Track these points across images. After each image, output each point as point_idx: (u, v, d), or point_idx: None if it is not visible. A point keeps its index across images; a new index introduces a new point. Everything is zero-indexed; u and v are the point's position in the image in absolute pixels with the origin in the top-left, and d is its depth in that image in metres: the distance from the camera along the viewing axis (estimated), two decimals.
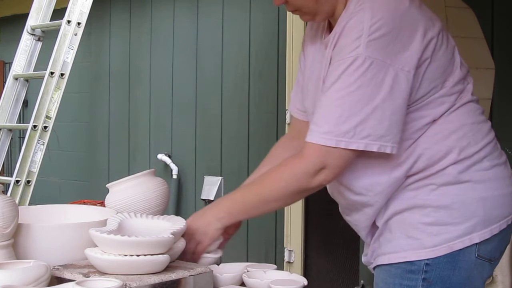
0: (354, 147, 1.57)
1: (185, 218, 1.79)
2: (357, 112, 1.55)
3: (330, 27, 1.79)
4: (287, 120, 3.91)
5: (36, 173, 3.74)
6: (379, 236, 1.76)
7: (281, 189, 1.70)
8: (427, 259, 1.63)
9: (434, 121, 1.66)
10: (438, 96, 1.65)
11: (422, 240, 1.64)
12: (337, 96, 1.58)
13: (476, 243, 1.63)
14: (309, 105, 1.85)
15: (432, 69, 1.62)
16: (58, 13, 4.10)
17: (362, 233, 1.84)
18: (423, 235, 1.64)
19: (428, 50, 1.60)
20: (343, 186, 1.76)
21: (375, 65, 1.54)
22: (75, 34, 3.91)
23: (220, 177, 4.39)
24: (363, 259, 1.91)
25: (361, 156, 1.63)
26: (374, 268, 1.81)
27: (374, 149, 1.57)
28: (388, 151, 1.58)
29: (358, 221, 1.83)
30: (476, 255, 1.64)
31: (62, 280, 1.56)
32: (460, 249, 1.62)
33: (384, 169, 1.65)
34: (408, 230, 1.66)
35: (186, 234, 1.69)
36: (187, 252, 1.71)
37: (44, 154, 3.76)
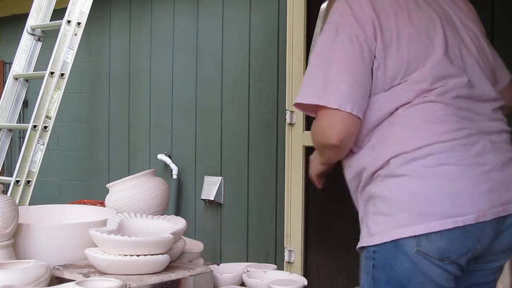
0: None
1: (185, 218, 1.80)
2: None
3: None
4: (287, 120, 3.91)
5: (36, 173, 3.75)
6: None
7: (316, 145, 1.94)
8: (374, 246, 1.73)
9: (390, 113, 1.74)
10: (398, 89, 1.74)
11: (371, 228, 1.75)
12: None
13: (415, 236, 1.66)
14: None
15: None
16: (58, 13, 4.11)
17: None
18: (372, 223, 1.75)
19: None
20: None
21: None
22: (75, 34, 3.91)
23: (220, 177, 4.39)
24: None
25: None
26: None
27: None
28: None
29: None
30: (416, 250, 1.67)
31: (62, 280, 1.56)
32: (399, 239, 1.68)
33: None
34: (366, 218, 1.79)
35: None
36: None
37: (44, 154, 3.76)
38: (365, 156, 1.79)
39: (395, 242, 1.68)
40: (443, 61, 1.77)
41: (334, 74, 1.72)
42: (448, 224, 1.65)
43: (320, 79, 1.73)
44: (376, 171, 1.76)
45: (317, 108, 1.74)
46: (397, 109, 1.74)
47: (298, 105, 1.80)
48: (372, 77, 1.74)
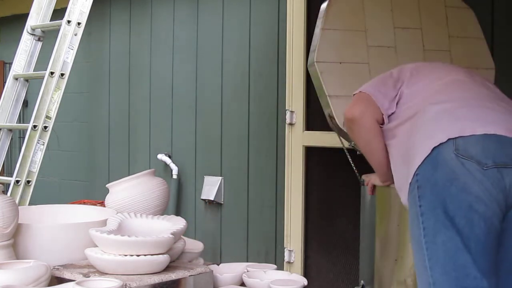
0: None
1: (185, 218, 1.80)
2: None
3: None
4: (287, 120, 3.91)
5: (36, 173, 3.74)
6: None
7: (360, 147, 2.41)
8: (416, 170, 1.90)
9: None
10: None
11: (411, 160, 1.96)
12: None
13: (452, 140, 1.84)
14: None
15: None
16: (58, 13, 4.10)
17: None
18: (411, 157, 1.97)
19: None
20: None
21: None
22: (75, 34, 3.91)
23: (220, 177, 4.39)
24: None
25: None
26: None
27: None
28: None
29: None
30: (454, 152, 1.83)
31: (62, 280, 1.56)
32: (438, 148, 1.86)
33: None
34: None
35: None
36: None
37: (44, 154, 3.75)
38: None
39: (434, 154, 1.86)
40: None
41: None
42: (480, 130, 1.85)
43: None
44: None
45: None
46: None
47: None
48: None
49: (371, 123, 2.19)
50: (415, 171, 1.90)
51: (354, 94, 2.29)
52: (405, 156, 2.00)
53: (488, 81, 2.27)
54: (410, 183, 1.93)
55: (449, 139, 1.85)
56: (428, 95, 2.10)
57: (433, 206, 1.82)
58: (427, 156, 1.87)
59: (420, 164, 1.88)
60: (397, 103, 2.19)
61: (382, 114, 2.20)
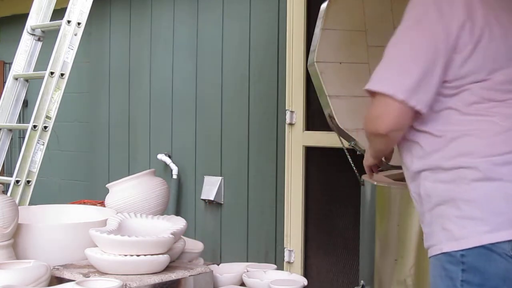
0: None
1: (185, 218, 1.80)
2: None
3: None
4: (287, 120, 3.91)
5: (36, 173, 3.74)
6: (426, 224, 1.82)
7: (368, 129, 1.85)
8: (462, 250, 1.68)
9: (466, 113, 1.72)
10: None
11: (454, 232, 1.69)
12: None
13: (507, 241, 1.66)
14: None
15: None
16: (58, 13, 4.10)
17: None
18: (454, 227, 1.69)
19: None
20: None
21: None
22: (75, 34, 3.91)
23: (220, 177, 4.39)
24: None
25: None
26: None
27: None
28: None
29: None
30: (511, 253, 1.66)
31: (62, 280, 1.56)
32: (491, 244, 1.66)
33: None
34: (444, 222, 1.71)
35: None
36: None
37: (44, 154, 3.75)
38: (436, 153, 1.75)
39: (489, 245, 1.66)
40: None
41: (402, 66, 1.71)
42: None
43: (389, 69, 1.73)
44: (454, 169, 1.71)
45: (374, 93, 1.73)
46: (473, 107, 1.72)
47: (368, 91, 1.77)
48: (446, 73, 1.71)
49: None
50: (461, 250, 1.68)
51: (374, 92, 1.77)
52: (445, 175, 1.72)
53: None
54: (447, 252, 1.71)
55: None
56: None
57: None
58: (480, 246, 1.68)
59: (470, 248, 1.67)
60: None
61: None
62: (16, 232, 1.69)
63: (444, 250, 1.71)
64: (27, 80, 4.08)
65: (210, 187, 4.40)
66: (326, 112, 2.88)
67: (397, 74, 1.71)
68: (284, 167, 3.95)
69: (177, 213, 4.51)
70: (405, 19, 1.77)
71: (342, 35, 2.95)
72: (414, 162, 1.80)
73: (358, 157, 2.94)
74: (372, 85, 1.73)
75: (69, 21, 3.89)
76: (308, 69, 3.04)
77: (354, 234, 3.27)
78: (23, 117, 5.47)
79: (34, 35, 4.08)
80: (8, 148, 4.06)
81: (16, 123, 4.10)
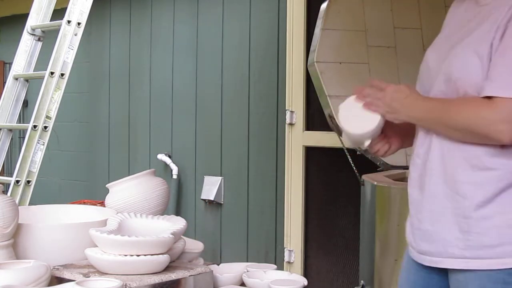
0: None
1: (185, 218, 1.80)
2: None
3: None
4: (287, 120, 3.91)
5: (36, 173, 3.74)
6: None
7: (463, 125, 1.62)
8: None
9: None
10: None
11: None
12: None
13: None
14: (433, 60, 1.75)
15: None
16: (58, 13, 4.10)
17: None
18: None
19: None
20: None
21: None
22: (75, 34, 3.91)
23: (220, 177, 4.39)
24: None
25: None
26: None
27: None
28: None
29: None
30: None
31: (62, 280, 1.56)
32: None
33: None
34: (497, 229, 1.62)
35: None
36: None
37: (44, 154, 3.75)
38: None
39: None
40: None
41: None
42: None
43: None
44: None
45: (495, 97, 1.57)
46: None
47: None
48: None
49: None
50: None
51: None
52: None
53: None
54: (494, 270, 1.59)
55: None
56: None
57: None
58: None
59: None
60: None
61: None
62: (16, 232, 1.69)
63: (507, 266, 1.60)
64: (27, 80, 4.08)
65: (210, 187, 4.40)
66: (326, 112, 2.88)
67: None
68: (284, 167, 3.95)
69: (177, 213, 4.51)
70: None
71: (342, 35, 2.95)
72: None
73: (358, 157, 2.94)
74: (505, 92, 1.57)
75: (69, 21, 3.89)
76: (308, 69, 3.05)
77: (354, 234, 3.27)
78: (23, 117, 5.48)
79: (34, 35, 4.08)
80: (8, 148, 4.06)
81: (16, 123, 4.10)
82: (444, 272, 1.71)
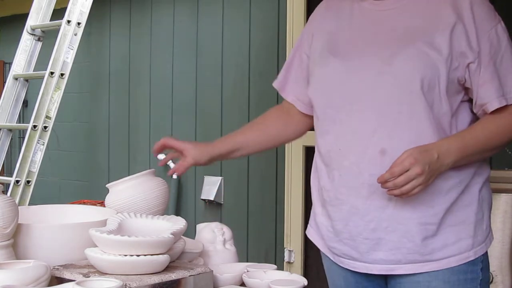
0: None
1: (185, 218, 1.79)
2: None
3: None
4: None
5: (36, 173, 3.74)
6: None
7: (501, 143, 1.68)
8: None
9: None
10: None
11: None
12: None
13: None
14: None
15: None
16: (58, 13, 4.11)
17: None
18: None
19: None
20: None
21: None
22: (75, 34, 3.91)
23: (220, 177, 4.39)
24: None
25: None
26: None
27: None
28: None
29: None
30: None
31: (62, 280, 1.56)
32: None
33: None
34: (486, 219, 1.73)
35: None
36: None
37: (44, 154, 3.76)
38: None
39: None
40: None
41: None
42: None
43: None
44: None
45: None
46: None
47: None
48: None
49: None
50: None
51: None
52: None
53: None
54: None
55: None
56: None
57: None
58: None
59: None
60: None
61: None
62: (16, 232, 1.69)
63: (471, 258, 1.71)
64: (27, 80, 4.08)
65: (210, 187, 4.40)
66: None
67: None
68: (284, 167, 3.95)
69: (177, 213, 4.51)
70: None
71: None
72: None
73: None
74: None
75: (69, 21, 3.90)
76: None
77: None
78: (23, 117, 5.48)
79: (34, 35, 4.09)
80: (8, 148, 4.06)
81: (16, 123, 4.10)
82: (381, 278, 1.78)
